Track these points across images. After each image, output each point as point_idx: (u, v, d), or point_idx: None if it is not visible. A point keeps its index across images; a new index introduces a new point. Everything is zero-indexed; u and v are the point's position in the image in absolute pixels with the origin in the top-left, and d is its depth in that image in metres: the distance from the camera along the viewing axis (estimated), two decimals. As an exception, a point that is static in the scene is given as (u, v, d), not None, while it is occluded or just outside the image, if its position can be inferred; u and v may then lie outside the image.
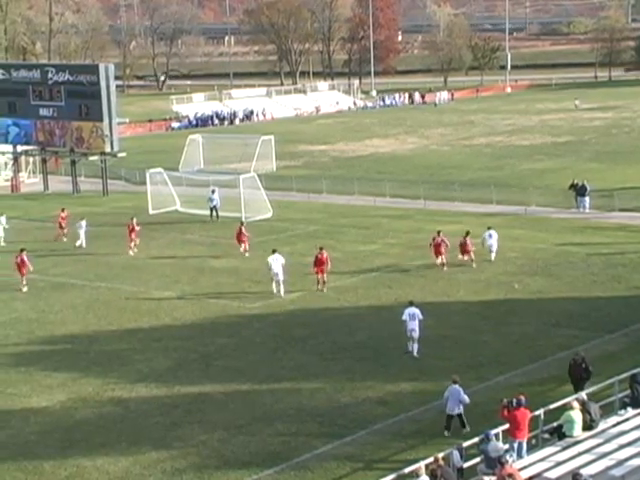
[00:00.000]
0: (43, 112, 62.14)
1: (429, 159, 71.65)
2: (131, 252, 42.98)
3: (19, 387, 26.98)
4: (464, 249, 38.65)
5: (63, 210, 47.27)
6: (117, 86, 68.89)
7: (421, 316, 28.53)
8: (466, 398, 22.80)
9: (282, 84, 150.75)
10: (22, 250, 38.15)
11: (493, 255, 39.37)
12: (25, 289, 37.38)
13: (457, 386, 22.88)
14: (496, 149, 75.91)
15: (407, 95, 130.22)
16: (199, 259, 41.59)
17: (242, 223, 43.61)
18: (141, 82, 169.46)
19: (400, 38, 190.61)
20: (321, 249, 36.18)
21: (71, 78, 60.35)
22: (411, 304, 29.01)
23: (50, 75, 61.30)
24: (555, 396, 23.00)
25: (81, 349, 30.25)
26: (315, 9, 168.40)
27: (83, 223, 44.91)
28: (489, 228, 40.10)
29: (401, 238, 44.27)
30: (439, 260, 38.39)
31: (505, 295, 34.40)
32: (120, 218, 48.86)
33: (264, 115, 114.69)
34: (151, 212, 50.91)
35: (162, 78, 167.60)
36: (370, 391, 25.87)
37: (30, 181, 66.83)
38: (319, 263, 35.69)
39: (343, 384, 26.38)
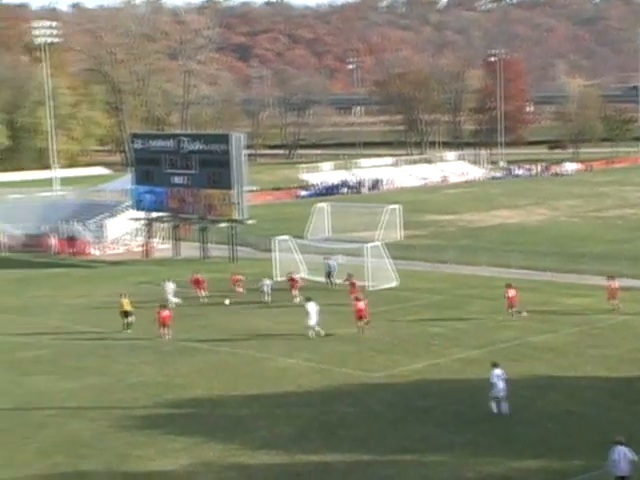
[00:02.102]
0: (176, 180, 63.87)
1: (558, 231, 70.43)
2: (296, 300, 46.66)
3: (145, 450, 27.30)
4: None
5: (235, 274, 50.88)
6: (248, 155, 70.25)
7: (505, 376, 29.00)
8: (636, 457, 22.49)
9: (409, 154, 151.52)
10: (196, 272, 48.54)
11: None
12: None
13: (623, 447, 22.45)
14: (629, 221, 74.11)
15: (538, 166, 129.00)
16: (321, 326, 41.53)
17: (350, 275, 47.45)
18: (272, 151, 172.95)
19: (532, 109, 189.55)
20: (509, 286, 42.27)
21: (203, 147, 61.98)
22: (496, 366, 29.32)
23: (184, 144, 63.12)
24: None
25: (205, 413, 30.51)
26: (444, 80, 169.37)
27: (267, 282, 47.57)
28: None
29: (528, 310, 43.35)
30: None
31: (638, 372, 33.18)
32: (246, 284, 49.83)
33: (393, 184, 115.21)
34: (278, 279, 51.40)
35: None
36: (494, 467, 25.18)
37: (162, 247, 68.51)
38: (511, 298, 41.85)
39: (467, 458, 25.79)
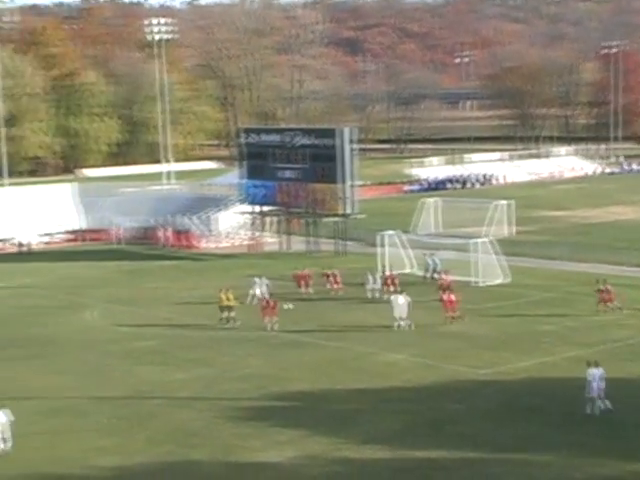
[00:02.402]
0: (284, 174, 64.28)
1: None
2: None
3: (251, 441, 27.55)
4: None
5: (327, 269, 50.30)
6: (360, 149, 70.13)
7: (605, 375, 28.58)
8: None
9: (520, 148, 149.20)
10: (304, 268, 49.41)
11: None
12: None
13: None
14: None
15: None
16: (427, 322, 41.24)
17: (445, 271, 47.56)
18: (380, 145, 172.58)
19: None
20: (604, 281, 42.26)
21: (312, 141, 62.19)
22: (591, 365, 28.77)
23: (293, 138, 63.42)
24: None
25: (310, 407, 30.63)
26: (557, 73, 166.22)
27: (371, 277, 47.66)
28: None
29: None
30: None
31: None
32: (349, 278, 49.90)
33: (503, 179, 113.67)
34: (383, 274, 51.12)
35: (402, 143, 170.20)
36: (605, 469, 24.58)
37: (271, 240, 69.03)
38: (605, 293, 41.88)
39: (574, 459, 25.23)
